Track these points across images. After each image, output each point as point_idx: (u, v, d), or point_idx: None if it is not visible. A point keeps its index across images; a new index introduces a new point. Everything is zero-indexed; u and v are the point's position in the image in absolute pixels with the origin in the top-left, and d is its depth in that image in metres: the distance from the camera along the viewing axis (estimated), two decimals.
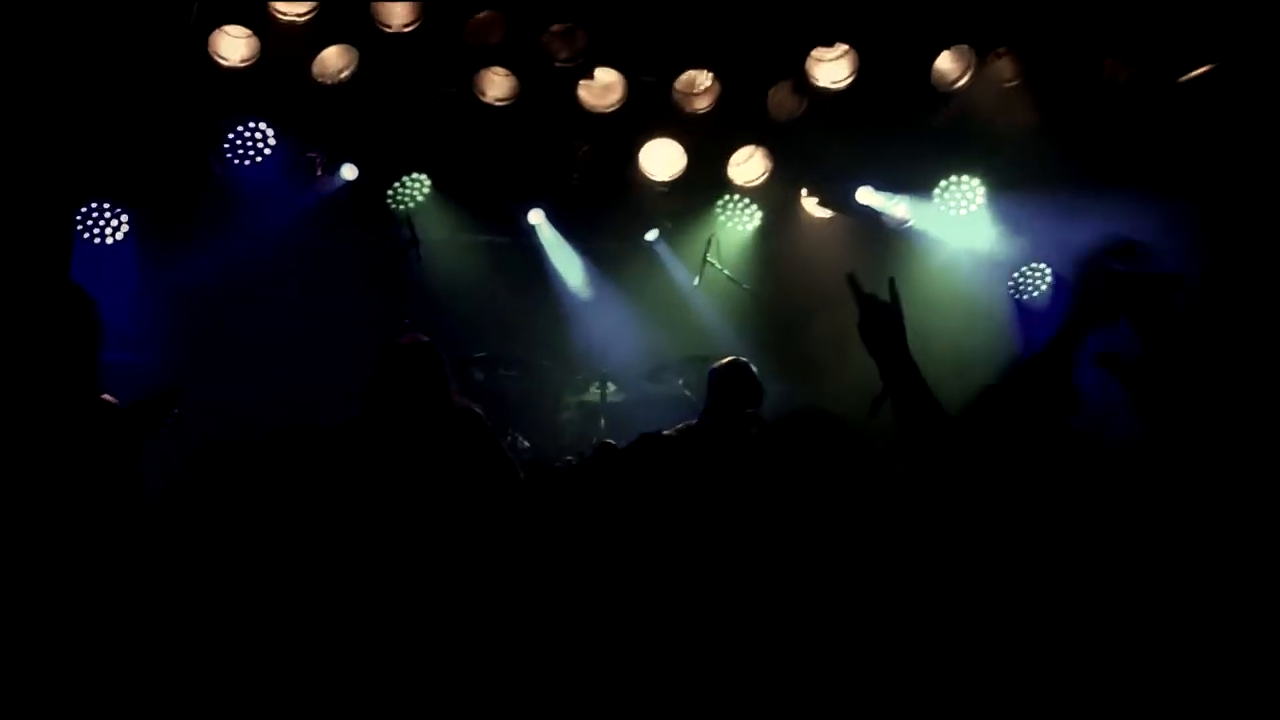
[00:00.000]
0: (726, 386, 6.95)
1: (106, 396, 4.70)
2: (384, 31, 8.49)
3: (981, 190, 9.72)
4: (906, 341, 3.35)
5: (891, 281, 3.42)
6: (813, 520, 3.06)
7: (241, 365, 9.05)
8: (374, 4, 8.41)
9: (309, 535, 4.48)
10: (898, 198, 9.88)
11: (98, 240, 9.23)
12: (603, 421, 8.83)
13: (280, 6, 8.37)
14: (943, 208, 9.82)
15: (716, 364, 7.13)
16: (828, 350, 8.52)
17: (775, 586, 2.96)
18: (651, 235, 10.21)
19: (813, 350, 9.17)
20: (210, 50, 8.44)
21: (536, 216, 10.13)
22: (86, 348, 4.55)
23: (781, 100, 9.18)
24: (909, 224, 9.91)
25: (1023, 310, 9.91)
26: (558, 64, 8.79)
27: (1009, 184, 9.51)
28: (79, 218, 9.12)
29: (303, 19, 8.42)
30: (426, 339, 5.87)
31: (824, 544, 3.00)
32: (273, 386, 8.97)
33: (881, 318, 3.39)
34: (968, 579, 2.85)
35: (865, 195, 9.89)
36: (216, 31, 8.41)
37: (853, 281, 3.49)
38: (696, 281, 9.53)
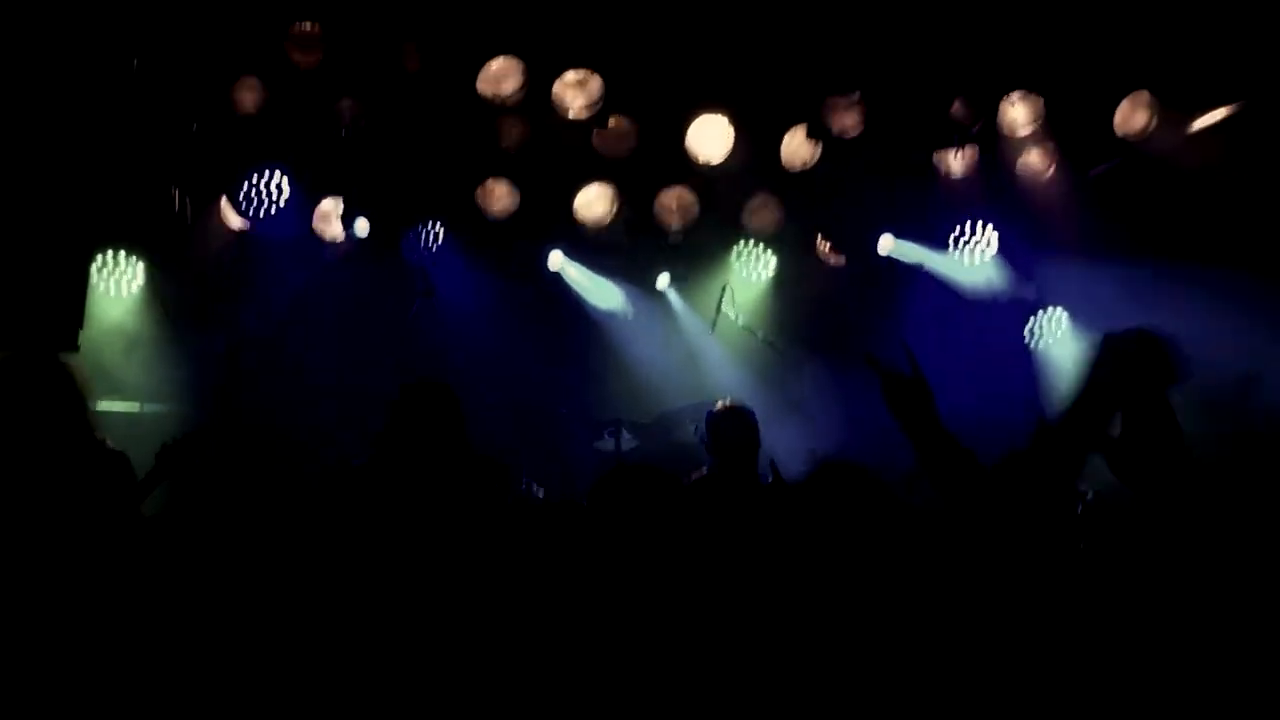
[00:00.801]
0: (728, 432, 6.87)
1: (108, 442, 4.72)
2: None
3: (995, 236, 9.71)
4: (936, 410, 3.38)
5: (904, 345, 3.49)
6: (841, 577, 3.04)
7: (258, 413, 9.02)
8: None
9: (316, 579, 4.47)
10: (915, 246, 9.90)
11: (113, 291, 9.23)
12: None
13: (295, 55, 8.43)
14: (957, 255, 9.82)
15: (714, 409, 7.03)
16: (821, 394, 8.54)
17: (808, 646, 2.93)
18: (662, 283, 10.19)
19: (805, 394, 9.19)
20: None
21: (556, 260, 10.12)
22: (79, 399, 4.60)
23: (796, 148, 9.19)
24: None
25: (1038, 356, 9.89)
26: (572, 115, 8.83)
27: (1025, 229, 9.51)
28: (95, 267, 9.16)
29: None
30: (440, 382, 5.80)
31: (854, 600, 2.98)
32: (284, 434, 8.95)
33: (907, 391, 3.43)
34: (989, 637, 2.82)
35: (886, 244, 9.90)
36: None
37: (871, 360, 3.54)
38: (712, 331, 9.51)
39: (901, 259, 9.93)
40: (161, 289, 9.13)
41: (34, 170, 8.14)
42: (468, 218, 9.75)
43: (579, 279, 10.19)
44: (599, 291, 10.30)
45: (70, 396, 4.60)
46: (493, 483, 5.61)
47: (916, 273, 9.94)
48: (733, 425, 6.83)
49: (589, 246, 9.95)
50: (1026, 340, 9.94)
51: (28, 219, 8.20)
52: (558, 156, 9.21)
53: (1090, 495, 6.51)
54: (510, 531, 5.19)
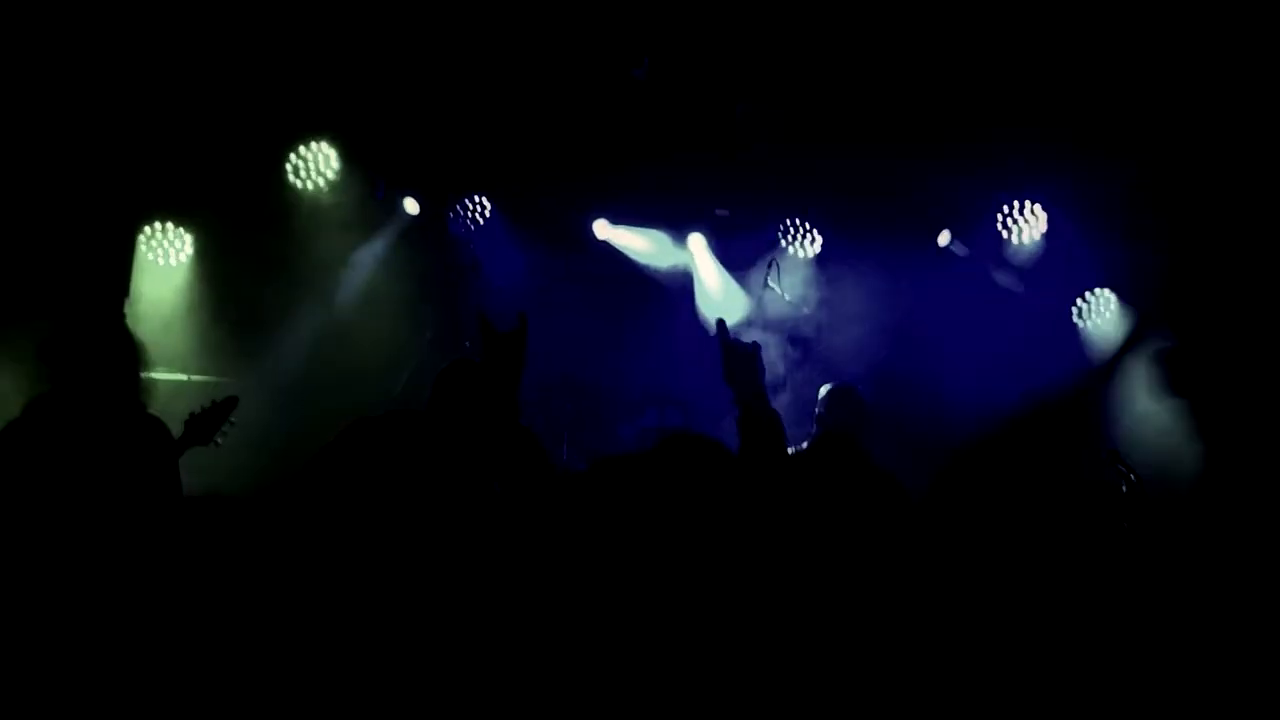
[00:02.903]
0: (839, 411, 6.90)
1: (152, 411, 4.76)
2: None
3: (1044, 216, 9.65)
4: (763, 383, 3.79)
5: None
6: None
7: (299, 390, 9.06)
8: None
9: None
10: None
11: (161, 261, 9.31)
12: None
13: None
14: (1004, 233, 9.76)
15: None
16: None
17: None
18: (944, 239, 10.10)
19: None
20: None
21: (602, 229, 10.16)
22: (130, 366, 4.63)
23: None
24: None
25: (1087, 335, 9.82)
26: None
27: (1073, 208, 9.44)
28: (142, 237, 9.22)
29: None
30: (474, 362, 5.79)
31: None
32: (328, 411, 8.99)
33: (742, 361, 3.79)
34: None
35: (944, 238, 9.91)
36: None
37: (720, 326, 3.93)
38: (756, 303, 9.50)
39: (957, 252, 9.85)
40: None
41: (79, 143, 8.21)
42: (512, 191, 9.78)
43: (629, 243, 10.20)
44: (654, 252, 10.29)
45: (121, 363, 4.64)
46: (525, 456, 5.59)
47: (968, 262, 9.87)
48: (844, 404, 6.88)
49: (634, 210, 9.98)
50: (1074, 320, 9.85)
51: (74, 191, 8.28)
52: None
53: (1132, 477, 6.49)
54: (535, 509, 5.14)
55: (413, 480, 3.98)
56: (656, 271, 10.25)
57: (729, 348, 3.92)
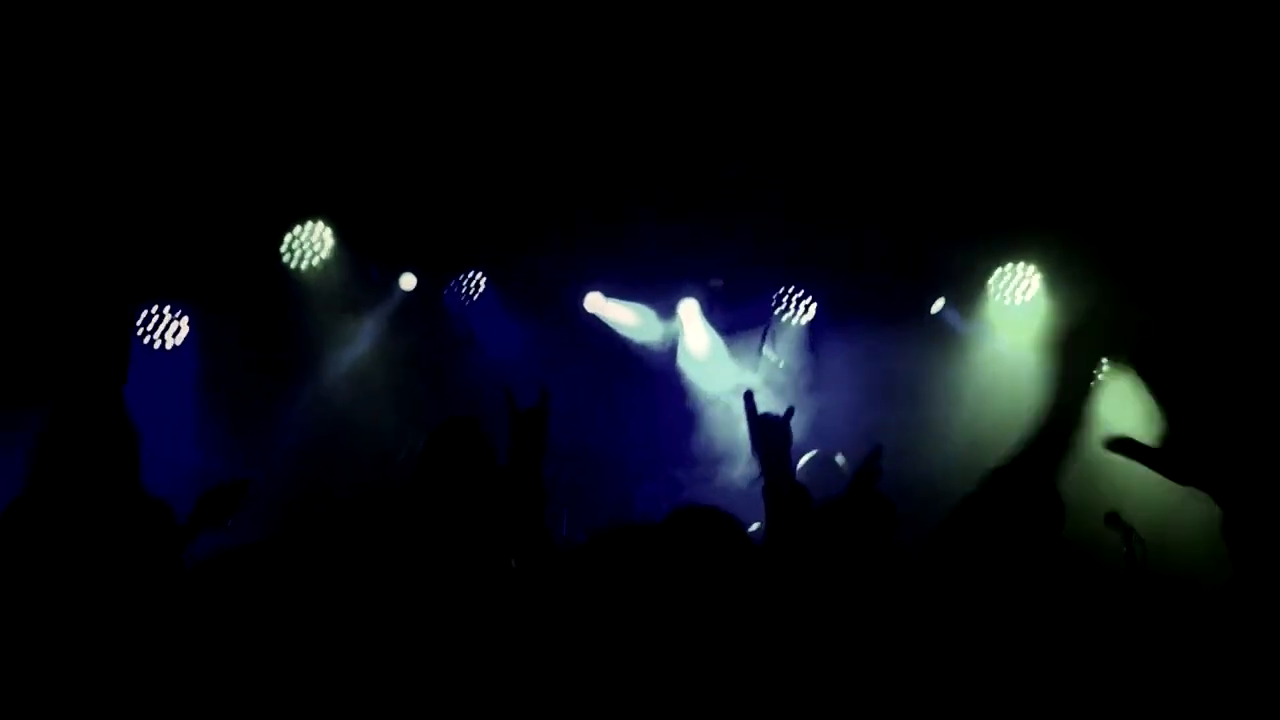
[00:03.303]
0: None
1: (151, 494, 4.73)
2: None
3: (1038, 278, 9.68)
4: (789, 455, 3.98)
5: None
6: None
7: (296, 465, 9.05)
8: None
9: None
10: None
11: (157, 345, 9.31)
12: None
13: None
14: (997, 297, 9.79)
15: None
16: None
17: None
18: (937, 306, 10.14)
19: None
20: None
21: (594, 302, 10.18)
22: (126, 450, 4.61)
23: None
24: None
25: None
26: None
27: (1066, 271, 9.47)
28: (139, 321, 9.23)
29: None
30: (468, 419, 5.77)
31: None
32: (328, 485, 8.98)
33: (773, 430, 3.97)
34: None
35: (937, 305, 9.96)
36: None
37: (748, 398, 4.08)
38: (753, 375, 9.51)
39: (950, 321, 9.88)
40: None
41: (76, 224, 8.24)
42: (506, 266, 9.83)
43: (619, 317, 10.23)
44: (643, 326, 10.30)
45: (117, 444, 4.62)
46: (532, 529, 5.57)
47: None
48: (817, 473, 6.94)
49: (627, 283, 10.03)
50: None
51: (69, 274, 8.29)
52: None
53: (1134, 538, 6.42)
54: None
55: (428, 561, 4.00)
56: (647, 345, 10.26)
57: (759, 420, 4.01)
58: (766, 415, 4.07)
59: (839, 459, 8.06)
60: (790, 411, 4.10)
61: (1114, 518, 6.54)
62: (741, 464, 8.64)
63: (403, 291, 9.81)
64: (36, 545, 4.20)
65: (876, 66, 8.28)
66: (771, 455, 3.98)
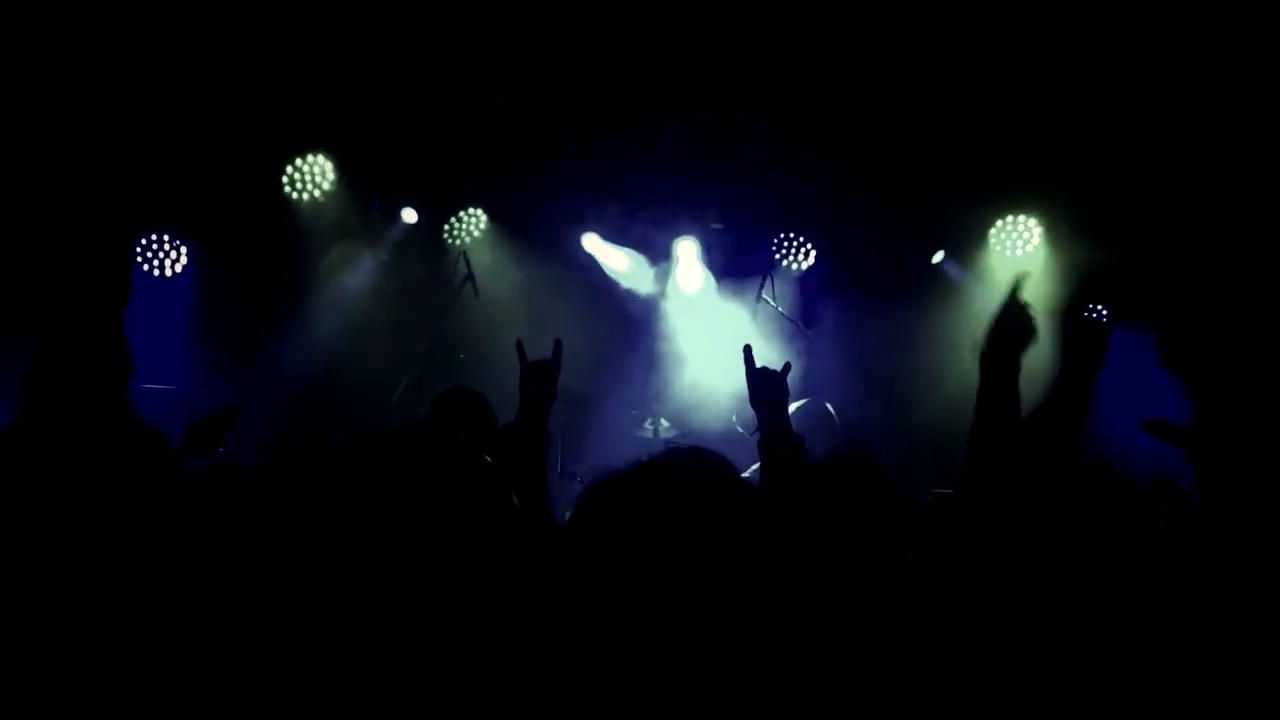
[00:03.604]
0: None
1: (145, 421, 4.75)
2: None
3: (1039, 231, 9.67)
4: (787, 406, 4.08)
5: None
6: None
7: (295, 397, 9.08)
8: None
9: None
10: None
11: (157, 272, 9.32)
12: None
13: None
14: (998, 249, 9.78)
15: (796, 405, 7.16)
16: None
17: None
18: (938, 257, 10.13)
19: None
20: None
21: (591, 242, 10.16)
22: (118, 375, 4.63)
23: None
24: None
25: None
26: None
27: (1068, 223, 9.46)
28: (138, 249, 9.23)
29: None
30: (472, 390, 5.83)
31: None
32: (326, 418, 9.02)
33: (770, 384, 4.05)
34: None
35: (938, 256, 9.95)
36: None
37: (747, 352, 4.16)
38: (752, 318, 9.50)
39: (950, 273, 9.87)
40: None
41: (76, 153, 8.22)
42: (506, 202, 9.82)
43: (613, 262, 10.23)
44: (635, 273, 10.31)
45: (110, 373, 4.63)
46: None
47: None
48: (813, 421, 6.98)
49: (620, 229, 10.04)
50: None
51: (71, 201, 8.29)
52: None
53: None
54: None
55: (431, 497, 4.01)
56: (638, 291, 10.26)
57: (758, 373, 4.11)
58: (764, 369, 4.13)
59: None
60: (788, 366, 4.17)
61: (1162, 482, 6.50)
62: (731, 413, 8.66)
63: (404, 224, 9.80)
64: (29, 472, 4.23)
65: (881, 18, 8.24)
66: (768, 407, 4.05)
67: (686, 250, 10.07)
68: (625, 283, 10.24)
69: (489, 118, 9.27)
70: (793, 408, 7.28)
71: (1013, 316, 3.30)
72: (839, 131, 9.05)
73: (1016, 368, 3.23)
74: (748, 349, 4.20)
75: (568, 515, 5.71)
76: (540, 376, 3.99)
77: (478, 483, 2.20)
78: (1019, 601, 2.75)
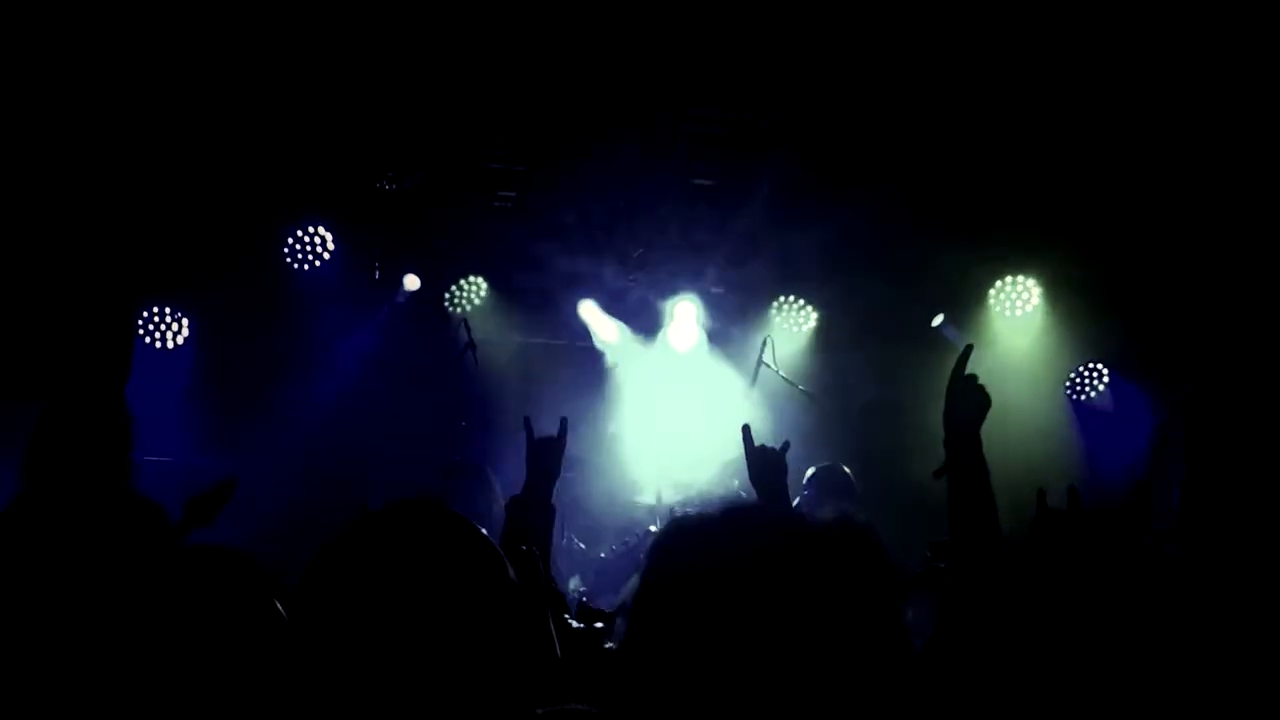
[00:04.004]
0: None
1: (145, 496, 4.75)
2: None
3: (1038, 291, 9.69)
4: (786, 483, 4.13)
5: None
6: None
7: (297, 466, 9.05)
8: None
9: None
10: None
11: (159, 345, 9.34)
12: (657, 523, 8.73)
13: None
14: (997, 309, 9.80)
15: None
16: None
17: None
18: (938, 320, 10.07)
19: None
20: None
21: (588, 310, 10.12)
22: (119, 447, 4.63)
23: None
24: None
25: (1082, 411, 9.82)
26: None
27: (1066, 283, 9.49)
28: (140, 322, 9.25)
29: None
30: (474, 463, 5.89)
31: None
32: (329, 487, 8.98)
33: (770, 464, 4.09)
34: None
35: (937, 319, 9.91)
36: None
37: (745, 432, 4.20)
38: (752, 384, 9.48)
39: (948, 335, 9.86)
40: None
41: (78, 225, 8.26)
42: (507, 269, 9.85)
43: (605, 334, 10.20)
44: (624, 348, 10.26)
45: (109, 445, 4.63)
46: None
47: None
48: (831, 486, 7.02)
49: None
50: (1069, 395, 9.87)
51: (74, 271, 8.31)
52: None
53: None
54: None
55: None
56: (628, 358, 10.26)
57: (757, 452, 4.17)
58: (763, 448, 4.21)
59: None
60: (786, 445, 4.25)
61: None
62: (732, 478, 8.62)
63: (406, 292, 9.81)
64: (30, 549, 4.21)
65: (879, 75, 8.30)
66: (769, 488, 4.10)
67: (685, 311, 10.05)
68: (613, 355, 10.23)
69: (487, 185, 9.34)
70: (809, 472, 7.30)
71: (963, 394, 3.37)
72: (838, 192, 9.08)
73: (977, 441, 3.28)
74: (746, 429, 4.24)
75: (571, 583, 5.72)
76: (546, 453, 4.02)
77: (473, 561, 2.19)
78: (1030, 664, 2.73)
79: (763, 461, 4.17)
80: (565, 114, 8.74)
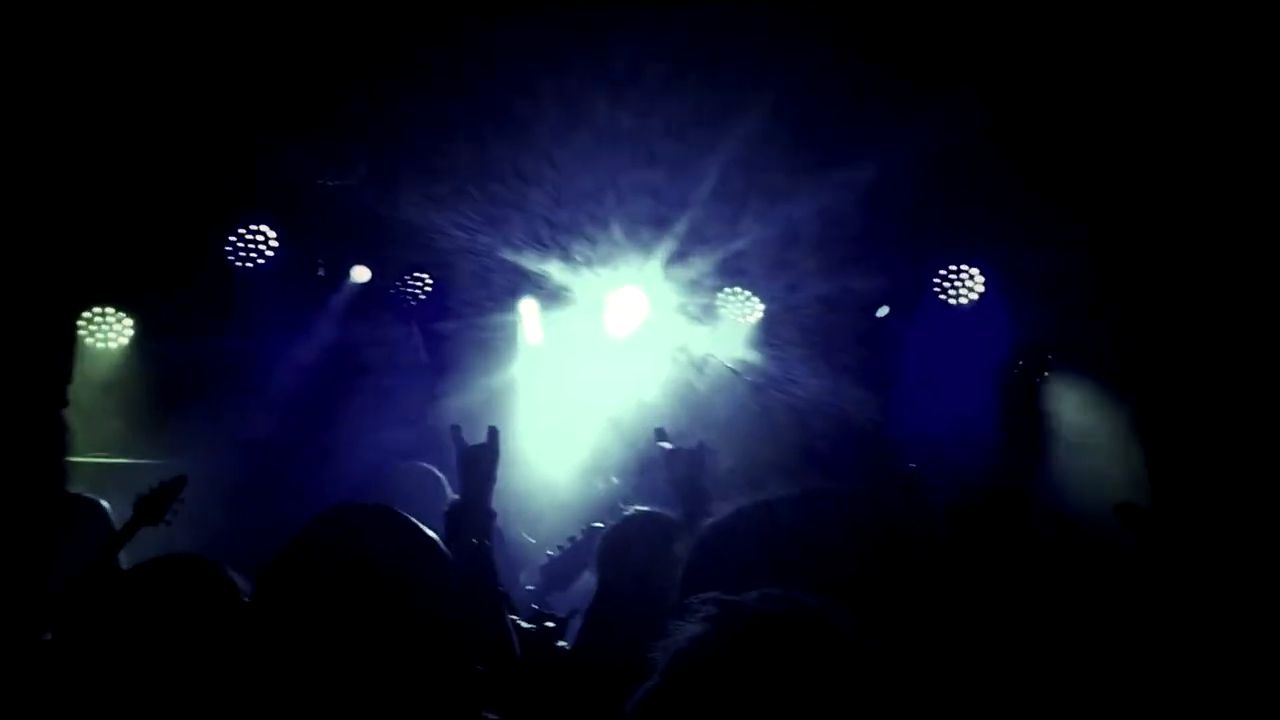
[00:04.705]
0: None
1: (85, 494, 4.74)
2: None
3: (981, 280, 9.79)
4: (705, 481, 4.09)
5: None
6: None
7: (249, 462, 9.02)
8: None
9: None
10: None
11: (100, 345, 9.25)
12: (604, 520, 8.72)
13: None
14: (941, 297, 9.88)
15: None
16: None
17: None
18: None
19: None
20: None
21: (527, 307, 10.09)
22: (55, 449, 4.65)
23: None
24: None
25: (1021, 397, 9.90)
26: None
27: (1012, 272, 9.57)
28: (82, 322, 9.18)
29: None
30: (428, 467, 5.91)
31: None
32: (277, 484, 8.96)
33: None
34: None
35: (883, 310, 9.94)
36: None
37: (659, 434, 4.39)
38: (698, 372, 9.52)
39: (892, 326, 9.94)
40: None
41: (22, 226, 8.18)
42: (452, 267, 9.81)
43: (533, 336, 10.14)
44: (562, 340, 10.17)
45: (48, 447, 4.65)
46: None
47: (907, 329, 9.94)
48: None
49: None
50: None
51: (15, 274, 8.24)
52: None
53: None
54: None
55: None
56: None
57: (671, 454, 4.27)
58: (676, 449, 4.31)
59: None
60: (700, 444, 4.30)
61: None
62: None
63: (353, 286, 9.76)
64: None
65: (830, 60, 8.31)
66: (684, 485, 4.14)
67: (625, 299, 10.04)
68: (550, 348, 10.15)
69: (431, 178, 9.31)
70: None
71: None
72: (783, 184, 9.10)
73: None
74: (659, 431, 4.43)
75: (521, 577, 5.71)
76: (478, 461, 4.04)
77: (420, 559, 2.22)
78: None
79: (675, 462, 4.23)
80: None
